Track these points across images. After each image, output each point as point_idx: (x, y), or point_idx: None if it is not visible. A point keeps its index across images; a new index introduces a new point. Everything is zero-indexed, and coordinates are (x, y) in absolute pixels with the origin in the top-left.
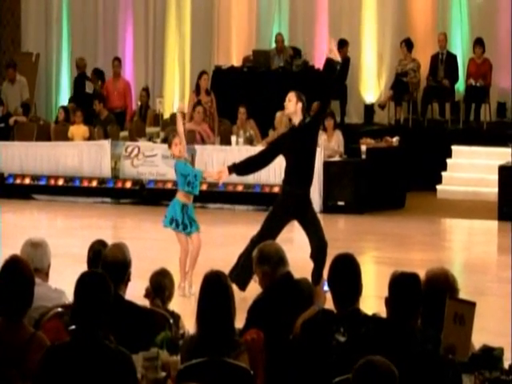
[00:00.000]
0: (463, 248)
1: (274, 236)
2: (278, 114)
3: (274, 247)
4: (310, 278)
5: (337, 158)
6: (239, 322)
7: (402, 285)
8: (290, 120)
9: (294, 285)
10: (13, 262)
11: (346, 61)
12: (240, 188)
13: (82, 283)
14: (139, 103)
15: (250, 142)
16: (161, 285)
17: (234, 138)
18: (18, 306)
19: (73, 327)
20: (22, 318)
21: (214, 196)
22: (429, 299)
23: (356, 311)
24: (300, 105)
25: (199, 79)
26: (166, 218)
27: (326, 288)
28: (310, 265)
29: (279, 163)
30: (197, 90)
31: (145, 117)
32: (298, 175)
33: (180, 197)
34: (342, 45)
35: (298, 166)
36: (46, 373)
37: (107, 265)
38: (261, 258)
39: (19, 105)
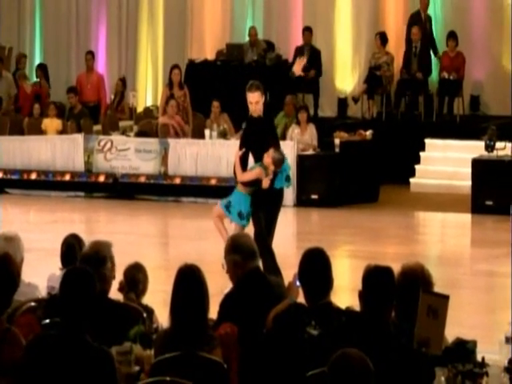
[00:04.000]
0: (437, 241)
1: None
2: None
3: (247, 239)
4: (283, 271)
5: (310, 152)
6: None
7: (375, 278)
8: None
9: (262, 279)
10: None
11: None
12: (213, 181)
13: (68, 278)
14: (112, 97)
15: (223, 135)
16: (135, 279)
17: (207, 132)
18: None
19: (47, 321)
20: (1, 315)
21: (187, 189)
22: (404, 293)
23: (328, 305)
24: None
25: (171, 74)
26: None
27: (298, 283)
28: (284, 259)
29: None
30: (169, 84)
31: (117, 107)
32: None
33: (241, 189)
34: (305, 31)
35: None
36: (28, 365)
37: (82, 260)
38: (233, 247)
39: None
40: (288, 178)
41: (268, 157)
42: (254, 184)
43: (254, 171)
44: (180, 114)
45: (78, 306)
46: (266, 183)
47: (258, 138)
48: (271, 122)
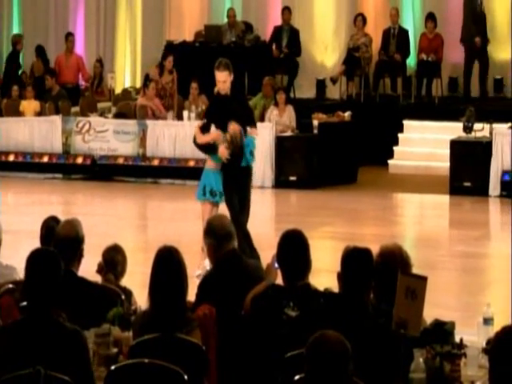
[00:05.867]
0: (415, 222)
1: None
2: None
3: (221, 221)
4: (261, 253)
5: (289, 133)
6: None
7: (354, 260)
8: None
9: (240, 261)
10: None
11: None
12: (191, 163)
13: (32, 261)
14: (92, 75)
15: (201, 117)
16: (114, 260)
17: (185, 113)
18: None
19: (24, 303)
20: None
21: (165, 171)
22: (382, 274)
23: (306, 286)
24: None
25: (164, 60)
26: (199, 191)
27: (276, 265)
28: (263, 240)
29: None
30: (160, 69)
31: (97, 89)
32: None
33: (210, 165)
34: (285, 10)
35: None
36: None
37: (59, 241)
38: (208, 231)
39: None
40: (251, 153)
41: (233, 126)
42: (212, 149)
43: (212, 133)
44: (167, 99)
45: (44, 287)
46: (222, 150)
47: (222, 116)
48: (243, 101)
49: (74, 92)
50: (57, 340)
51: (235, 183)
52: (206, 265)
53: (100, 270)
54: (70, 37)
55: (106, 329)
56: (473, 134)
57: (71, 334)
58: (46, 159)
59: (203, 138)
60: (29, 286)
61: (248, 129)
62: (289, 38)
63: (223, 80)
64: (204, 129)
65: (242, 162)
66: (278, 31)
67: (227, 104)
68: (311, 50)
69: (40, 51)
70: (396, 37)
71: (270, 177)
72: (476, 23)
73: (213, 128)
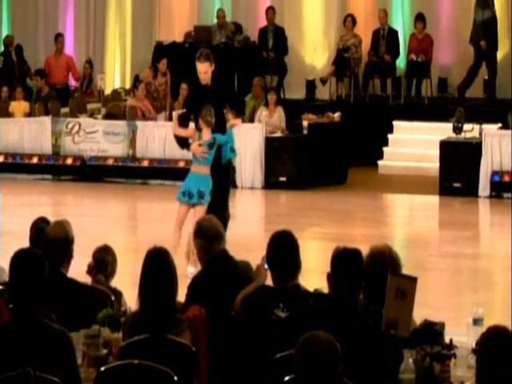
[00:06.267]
0: (405, 223)
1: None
2: None
3: (210, 222)
4: (251, 254)
5: (278, 134)
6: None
7: (344, 260)
8: None
9: (228, 262)
10: None
11: None
12: (181, 164)
13: (16, 261)
14: (81, 75)
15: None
16: (104, 261)
17: (175, 114)
18: None
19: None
20: None
21: (155, 172)
22: (372, 275)
23: (296, 287)
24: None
25: (158, 62)
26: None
27: (266, 266)
28: (253, 241)
29: None
30: (154, 71)
31: (86, 89)
32: None
33: (193, 168)
34: (269, 10)
35: None
36: None
37: (49, 242)
38: (197, 232)
39: None
40: (232, 149)
41: (200, 115)
42: (186, 144)
43: (188, 130)
44: (160, 101)
45: (27, 288)
46: (194, 148)
47: (201, 106)
48: (228, 91)
49: (63, 93)
50: (43, 341)
51: (217, 181)
52: (192, 271)
53: (90, 271)
54: (59, 37)
55: (95, 330)
56: (462, 134)
57: (57, 335)
58: (35, 160)
59: (179, 131)
60: (13, 286)
61: (231, 119)
62: (274, 37)
63: (204, 71)
64: (183, 118)
65: (223, 159)
66: (263, 32)
67: (207, 94)
68: (301, 50)
69: (18, 51)
70: (386, 37)
71: (259, 178)
72: (484, 26)
73: (191, 125)
